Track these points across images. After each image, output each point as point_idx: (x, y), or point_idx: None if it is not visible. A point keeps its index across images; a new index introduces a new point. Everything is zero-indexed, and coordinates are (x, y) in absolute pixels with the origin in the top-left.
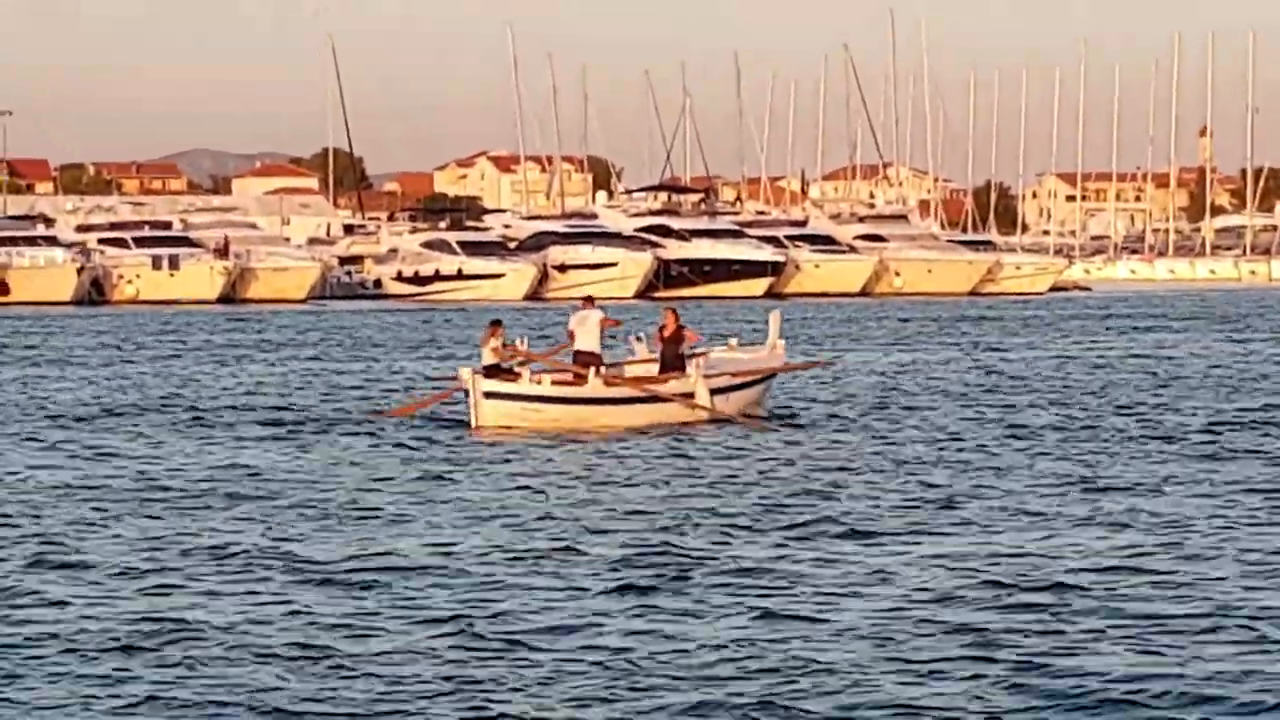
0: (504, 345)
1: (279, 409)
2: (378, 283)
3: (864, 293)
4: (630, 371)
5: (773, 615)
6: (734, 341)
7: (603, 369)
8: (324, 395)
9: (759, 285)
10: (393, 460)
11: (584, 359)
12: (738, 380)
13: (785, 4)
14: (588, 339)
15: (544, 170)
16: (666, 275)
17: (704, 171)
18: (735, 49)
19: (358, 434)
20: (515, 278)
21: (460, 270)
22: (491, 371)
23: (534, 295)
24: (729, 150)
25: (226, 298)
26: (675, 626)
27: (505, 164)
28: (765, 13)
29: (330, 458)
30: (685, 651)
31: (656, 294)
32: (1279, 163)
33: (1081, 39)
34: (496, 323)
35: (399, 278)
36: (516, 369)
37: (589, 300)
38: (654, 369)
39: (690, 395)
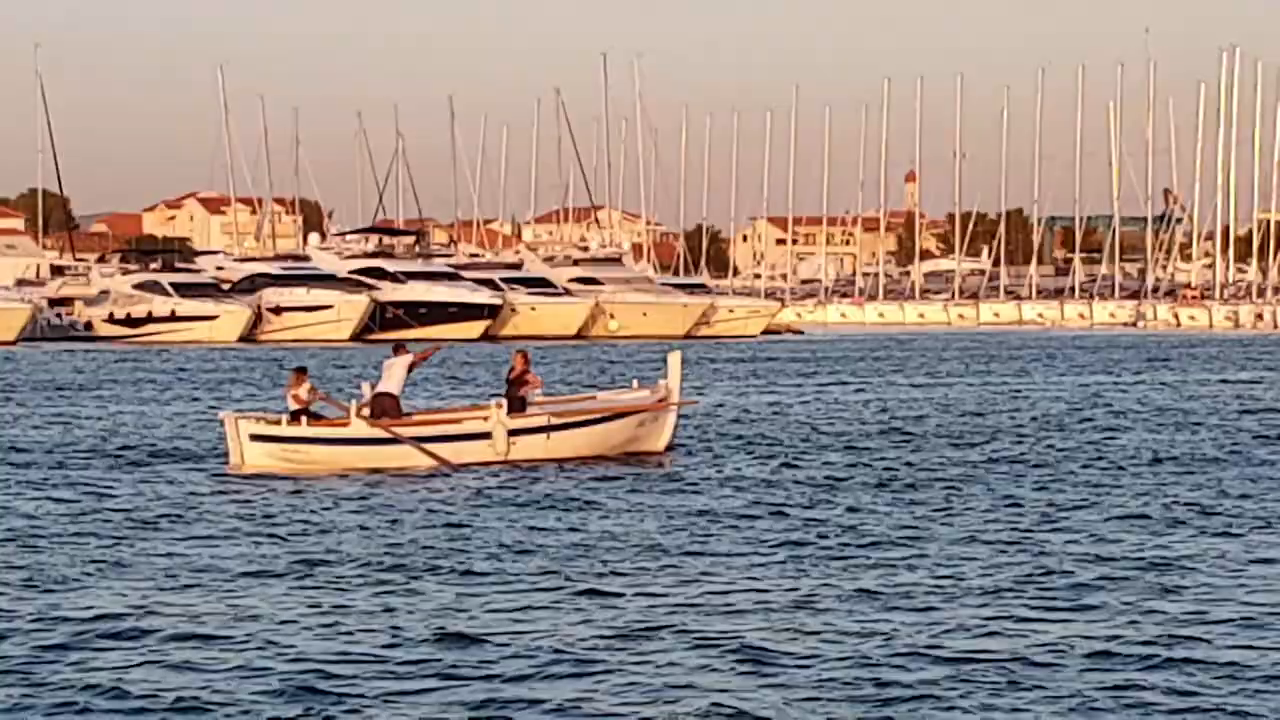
0: (311, 389)
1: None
2: (89, 325)
3: (580, 335)
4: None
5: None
6: (636, 382)
7: (364, 411)
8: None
9: (476, 328)
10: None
11: (380, 400)
12: (565, 420)
13: (499, 47)
14: (389, 382)
15: (254, 212)
16: (383, 318)
17: (416, 214)
18: (449, 92)
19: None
20: (229, 320)
21: (174, 312)
22: (298, 417)
23: (248, 337)
24: (441, 193)
25: None
26: None
27: (214, 205)
28: (479, 56)
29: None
30: None
31: (372, 336)
32: (985, 207)
33: (793, 83)
34: (301, 369)
35: (111, 319)
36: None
37: (399, 348)
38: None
39: (483, 436)
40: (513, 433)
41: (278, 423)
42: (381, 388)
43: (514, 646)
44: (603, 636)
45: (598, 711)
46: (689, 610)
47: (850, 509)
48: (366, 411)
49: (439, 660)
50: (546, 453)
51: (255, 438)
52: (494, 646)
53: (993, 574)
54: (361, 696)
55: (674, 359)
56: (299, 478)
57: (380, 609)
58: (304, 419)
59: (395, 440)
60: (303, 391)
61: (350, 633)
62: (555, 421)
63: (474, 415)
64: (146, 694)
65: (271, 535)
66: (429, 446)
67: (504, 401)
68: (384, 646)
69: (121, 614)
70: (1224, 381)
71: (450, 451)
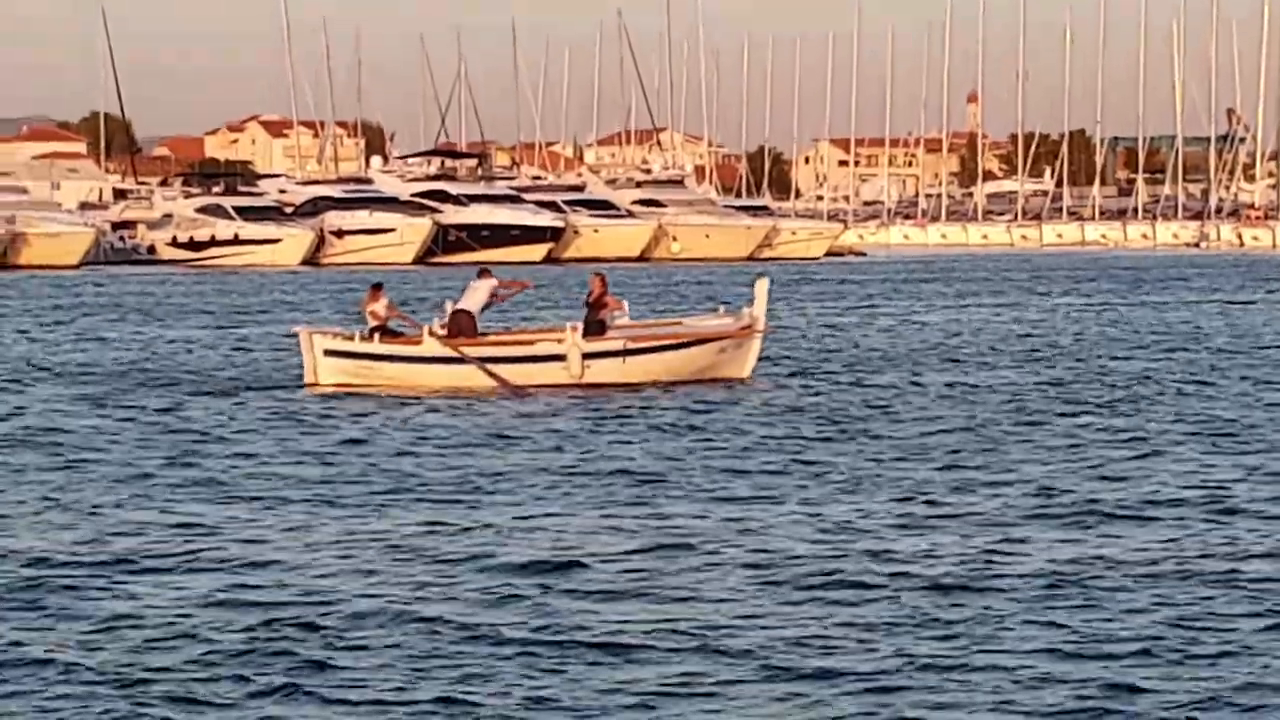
0: (389, 305)
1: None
2: (151, 248)
3: (642, 258)
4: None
5: None
6: (721, 309)
7: (436, 329)
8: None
9: (538, 251)
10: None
11: (457, 318)
12: (642, 344)
13: None
14: (468, 301)
15: (316, 135)
16: (445, 241)
17: (478, 137)
18: (511, 14)
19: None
20: (292, 243)
21: (236, 235)
22: (375, 334)
23: (311, 261)
24: (502, 115)
25: None
26: None
27: (277, 128)
28: None
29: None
30: None
31: (435, 259)
32: (1048, 128)
33: (855, 4)
34: (378, 286)
35: (174, 243)
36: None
37: (485, 271)
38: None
39: (557, 358)
40: (588, 356)
41: (352, 338)
42: (459, 305)
43: (567, 570)
44: (664, 558)
45: (658, 631)
46: (753, 534)
47: (917, 434)
48: (443, 330)
49: (498, 584)
50: (622, 377)
51: (329, 353)
52: (547, 570)
53: (1057, 495)
54: (422, 619)
55: (761, 286)
56: (370, 395)
57: (434, 532)
58: (378, 335)
59: (465, 360)
60: (380, 308)
61: (404, 554)
62: (631, 346)
63: (548, 337)
64: (197, 621)
65: (329, 457)
66: (499, 368)
67: (579, 325)
68: (433, 570)
69: (175, 536)
70: None
71: (524, 374)
